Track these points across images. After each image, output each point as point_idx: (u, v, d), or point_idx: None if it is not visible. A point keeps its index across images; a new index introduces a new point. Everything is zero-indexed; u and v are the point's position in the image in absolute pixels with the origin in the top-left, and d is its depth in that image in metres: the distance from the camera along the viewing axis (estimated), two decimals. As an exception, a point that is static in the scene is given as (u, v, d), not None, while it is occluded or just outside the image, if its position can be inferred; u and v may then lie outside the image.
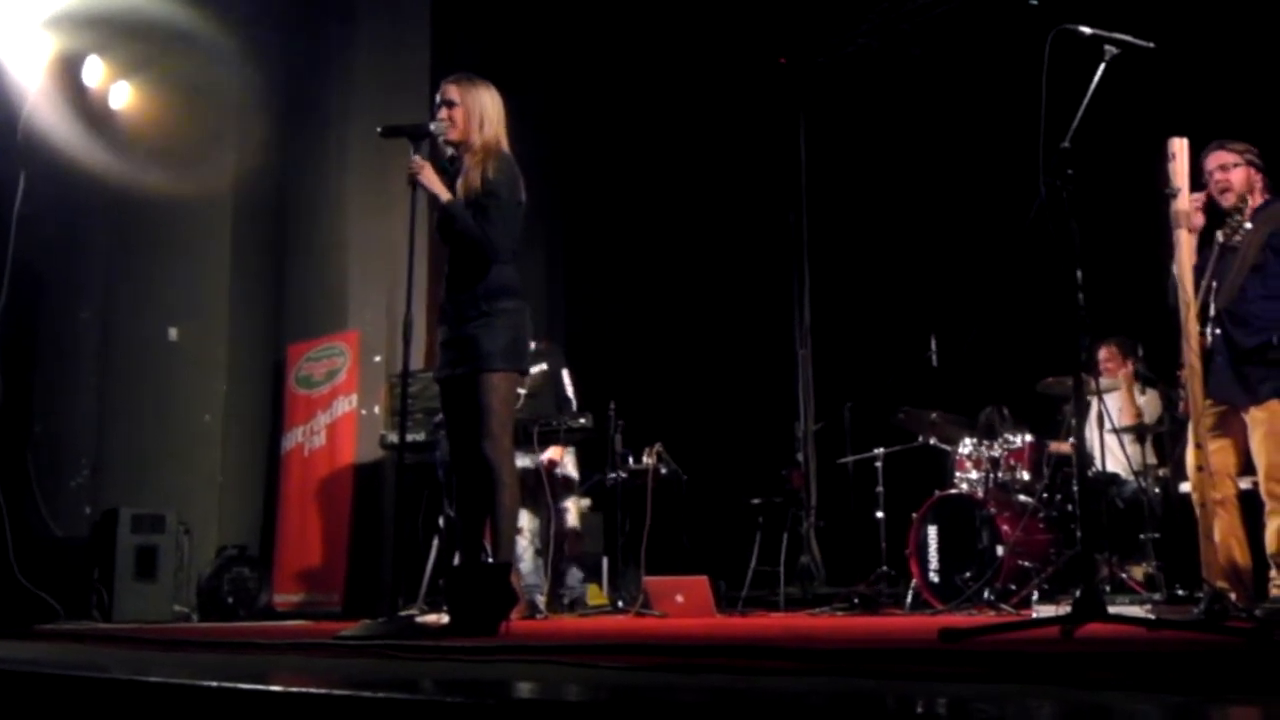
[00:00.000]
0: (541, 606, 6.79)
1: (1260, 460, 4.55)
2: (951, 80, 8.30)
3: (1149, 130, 4.65)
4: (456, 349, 4.42)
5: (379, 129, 4.60)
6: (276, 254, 9.09)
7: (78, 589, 7.47)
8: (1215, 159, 4.75)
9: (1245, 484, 5.15)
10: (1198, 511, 4.12)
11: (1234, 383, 4.58)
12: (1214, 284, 4.60)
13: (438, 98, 4.56)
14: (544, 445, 6.84)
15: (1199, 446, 4.23)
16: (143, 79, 8.56)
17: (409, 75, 8.53)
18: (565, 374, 7.02)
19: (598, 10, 8.37)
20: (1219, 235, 4.63)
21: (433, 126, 4.45)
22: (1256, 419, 4.54)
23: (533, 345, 6.98)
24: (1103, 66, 3.68)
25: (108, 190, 8.28)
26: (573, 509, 7.00)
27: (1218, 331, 4.59)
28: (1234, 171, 4.72)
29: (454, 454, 4.49)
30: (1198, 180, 4.46)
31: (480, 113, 4.47)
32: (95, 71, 8.34)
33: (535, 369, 6.90)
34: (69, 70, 8.16)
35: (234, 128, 8.96)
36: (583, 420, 6.88)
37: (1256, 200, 4.73)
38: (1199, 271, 4.64)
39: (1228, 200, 4.71)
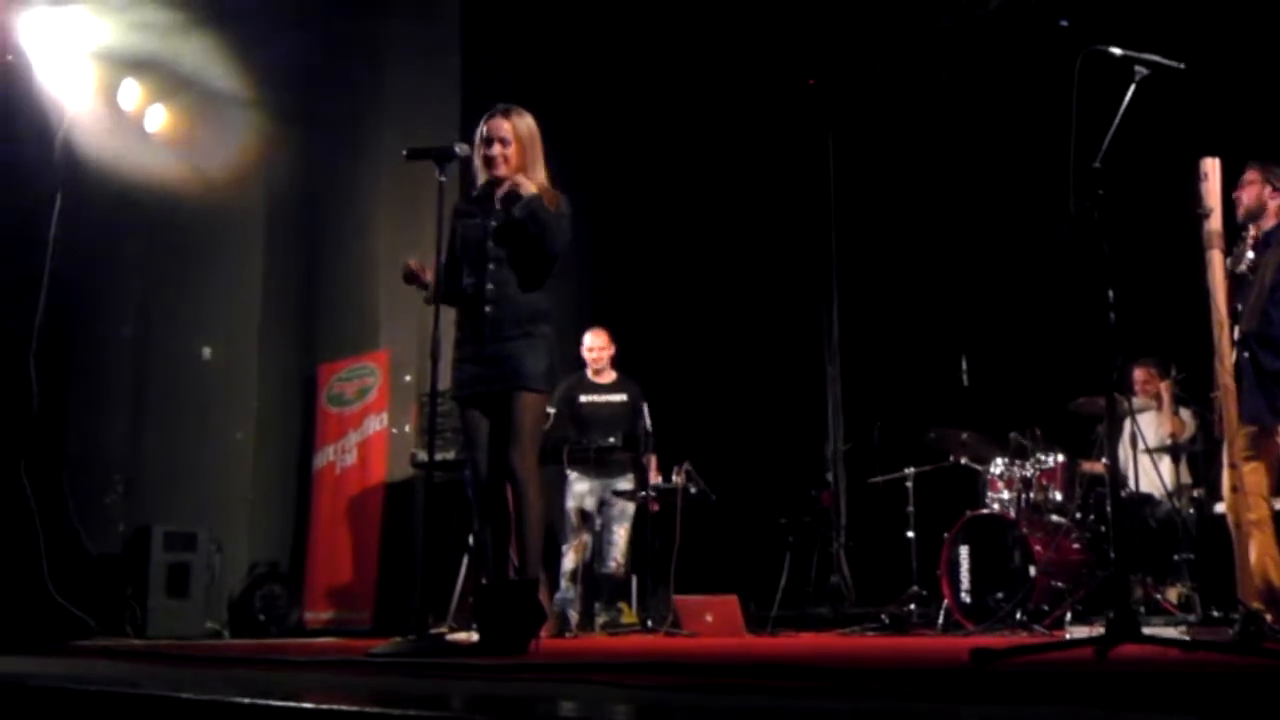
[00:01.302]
0: (573, 624, 6.80)
1: None
2: (981, 100, 8.28)
3: (1180, 151, 4.63)
4: (491, 366, 4.42)
5: (404, 152, 4.63)
6: (308, 273, 9.17)
7: (111, 605, 7.52)
8: (1242, 178, 4.76)
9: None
10: (1233, 533, 4.08)
11: (1262, 403, 4.56)
12: (1237, 307, 4.58)
13: (483, 132, 4.51)
14: (603, 467, 7.02)
15: (1233, 467, 4.20)
16: (177, 102, 8.66)
17: (440, 93, 8.59)
18: (645, 408, 7.18)
19: (628, 30, 8.40)
20: (1227, 262, 4.61)
21: (458, 149, 4.48)
22: None
23: (614, 375, 7.18)
24: (1133, 87, 3.67)
25: (143, 210, 8.37)
26: (622, 533, 7.10)
27: (1245, 354, 4.57)
28: (1246, 189, 4.73)
29: (479, 471, 4.49)
30: (1230, 199, 4.44)
31: (533, 148, 4.49)
32: (131, 94, 8.45)
33: (616, 398, 7.21)
34: (106, 92, 8.27)
35: (266, 149, 9.04)
36: (611, 440, 6.93)
37: (1268, 223, 4.71)
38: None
39: (1239, 215, 4.74)
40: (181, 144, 8.69)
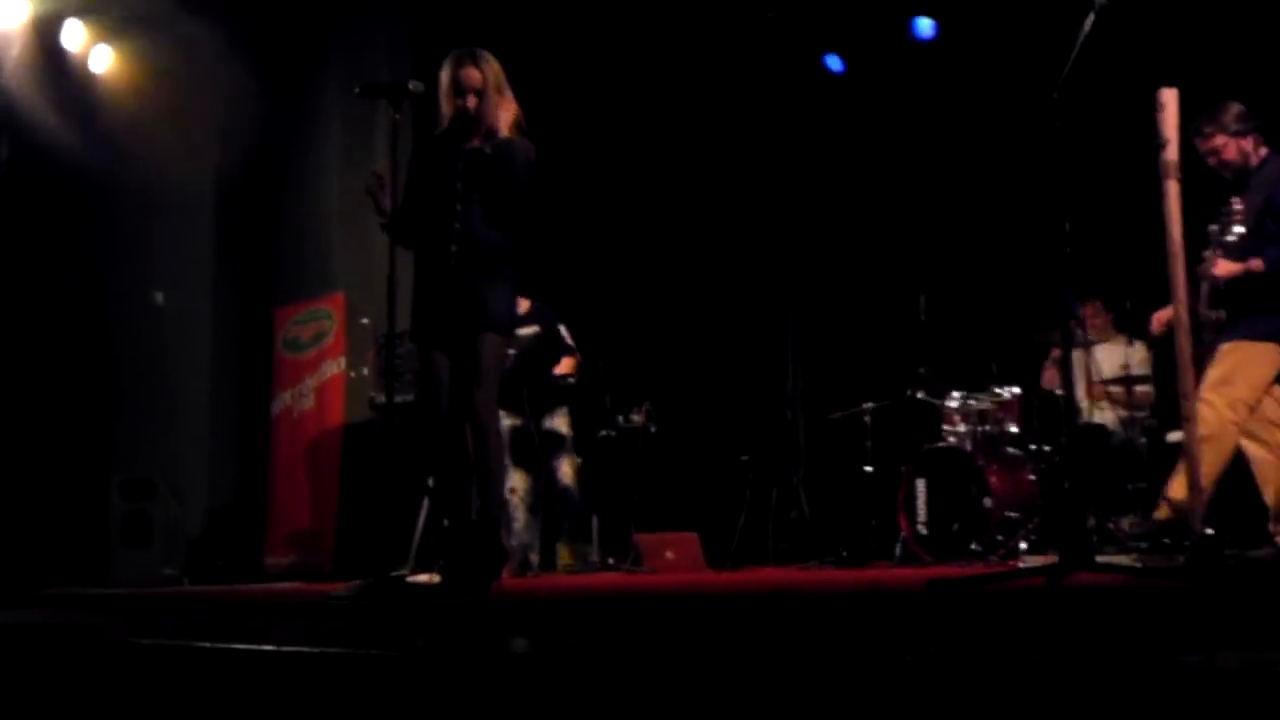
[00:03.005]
0: (534, 565, 6.83)
1: None
2: (941, 31, 8.24)
3: (1139, 80, 4.63)
4: (455, 306, 4.36)
5: (357, 90, 4.55)
6: (262, 216, 9.04)
7: (69, 555, 7.47)
8: (1200, 146, 4.76)
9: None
10: (1191, 458, 4.12)
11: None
12: (1204, 255, 4.61)
13: (451, 79, 4.41)
14: (534, 407, 6.87)
15: (1184, 397, 4.24)
16: (124, 42, 8.47)
17: (393, 34, 8.46)
18: (563, 329, 7.05)
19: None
20: (1212, 228, 4.62)
21: (412, 85, 4.39)
22: None
23: (526, 305, 7.05)
24: (1092, 16, 3.65)
25: (90, 154, 8.21)
26: (566, 467, 7.00)
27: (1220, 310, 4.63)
28: (1225, 150, 4.73)
29: (439, 414, 4.45)
30: (1187, 129, 4.45)
31: (502, 94, 4.41)
32: (75, 35, 8.25)
33: (527, 330, 6.89)
34: (48, 33, 8.07)
35: (217, 90, 8.87)
36: (571, 379, 6.90)
37: (1255, 160, 4.72)
38: (1202, 243, 4.64)
39: (1229, 176, 4.74)
40: (129, 86, 8.52)
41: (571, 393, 6.95)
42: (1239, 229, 4.44)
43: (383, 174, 4.42)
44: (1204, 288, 4.64)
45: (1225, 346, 4.63)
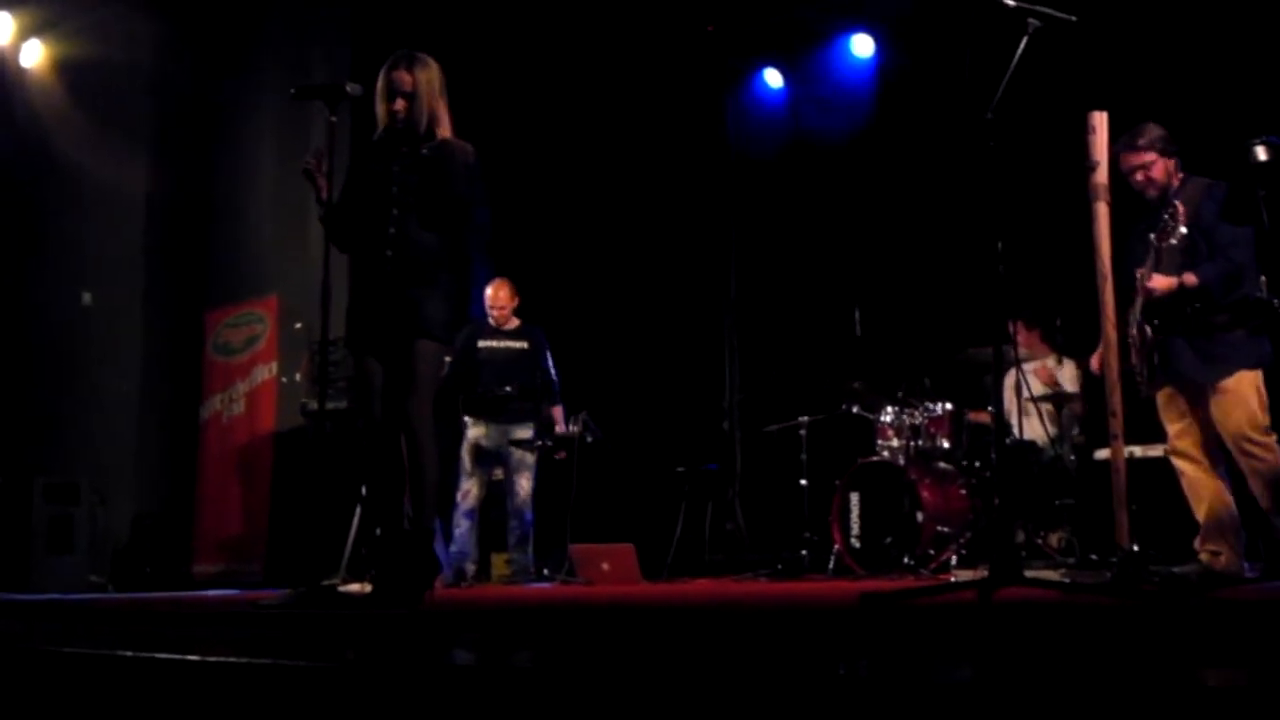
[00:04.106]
0: (469, 575, 6.79)
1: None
2: (877, 51, 8.35)
3: (1070, 103, 4.71)
4: (390, 312, 4.31)
5: (292, 91, 4.49)
6: (194, 217, 8.91)
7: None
8: (1129, 160, 4.79)
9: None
10: (1114, 476, 4.20)
11: (1193, 359, 4.68)
12: (1137, 274, 4.68)
13: (385, 83, 4.36)
14: (490, 415, 6.93)
15: (1113, 415, 4.32)
16: (55, 36, 8.32)
17: (330, 31, 8.38)
18: (548, 355, 7.15)
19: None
20: (1153, 237, 4.69)
21: (349, 88, 4.35)
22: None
23: (517, 323, 7.09)
24: (1025, 39, 3.71)
25: (17, 149, 8.05)
26: (524, 482, 6.99)
27: (1154, 321, 4.68)
28: (1153, 168, 4.77)
29: (370, 420, 4.39)
30: (1117, 145, 4.53)
31: (436, 98, 4.36)
32: (4, 28, 8.09)
33: (515, 344, 7.04)
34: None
35: (150, 86, 8.74)
36: (508, 388, 6.88)
37: (1175, 183, 4.81)
38: (1132, 261, 4.72)
39: (1153, 194, 4.77)
40: (59, 81, 8.36)
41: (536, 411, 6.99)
42: (1183, 230, 4.52)
43: (322, 154, 4.35)
44: (1138, 300, 4.71)
45: (1227, 383, 4.62)
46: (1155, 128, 4.82)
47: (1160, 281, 4.66)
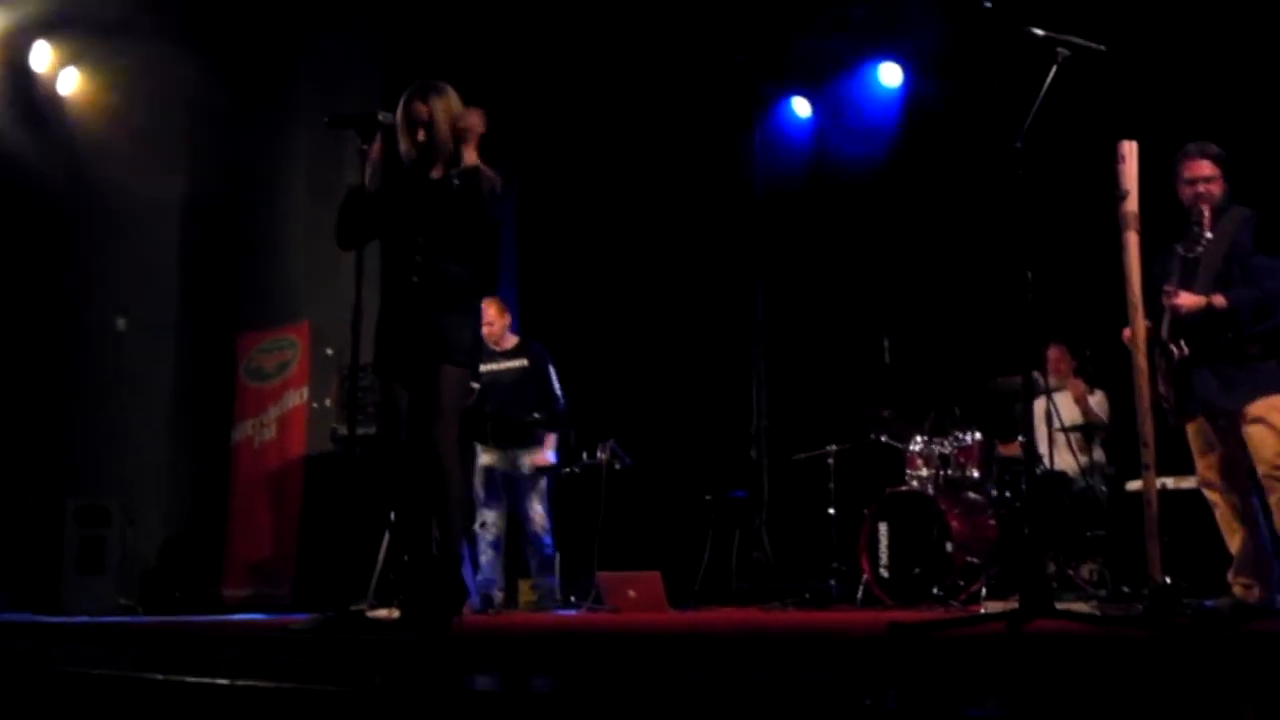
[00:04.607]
0: (497, 601, 6.77)
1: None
2: (905, 80, 8.35)
3: (1100, 132, 4.69)
4: (415, 338, 4.34)
5: (326, 119, 4.54)
6: (228, 243, 8.99)
7: (22, 582, 7.36)
8: (1196, 168, 4.70)
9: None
10: (1146, 509, 4.16)
11: (1214, 387, 4.62)
12: (1166, 290, 4.64)
13: (401, 112, 4.40)
14: (499, 440, 6.83)
15: (1145, 445, 4.28)
16: (92, 65, 8.44)
17: (361, 63, 8.46)
18: (551, 370, 6.96)
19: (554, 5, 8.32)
20: (1179, 248, 4.65)
21: (381, 117, 4.40)
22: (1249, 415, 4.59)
23: (515, 340, 7.03)
24: (1054, 69, 3.71)
25: (55, 175, 8.16)
26: (538, 507, 6.92)
27: (1180, 341, 4.62)
28: (1215, 184, 4.68)
29: (398, 446, 4.41)
30: (1146, 182, 4.51)
31: (454, 127, 4.39)
32: (43, 56, 8.21)
33: (515, 363, 6.88)
34: (15, 54, 8.03)
35: (185, 114, 8.85)
36: (537, 415, 6.85)
37: (1222, 205, 4.73)
38: (1160, 279, 4.68)
39: (1202, 212, 4.65)
40: (96, 108, 8.48)
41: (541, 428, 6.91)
42: (1209, 235, 4.48)
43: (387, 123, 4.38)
44: (1165, 317, 4.66)
45: (1257, 409, 4.54)
46: (1212, 147, 4.76)
47: (1187, 299, 4.59)
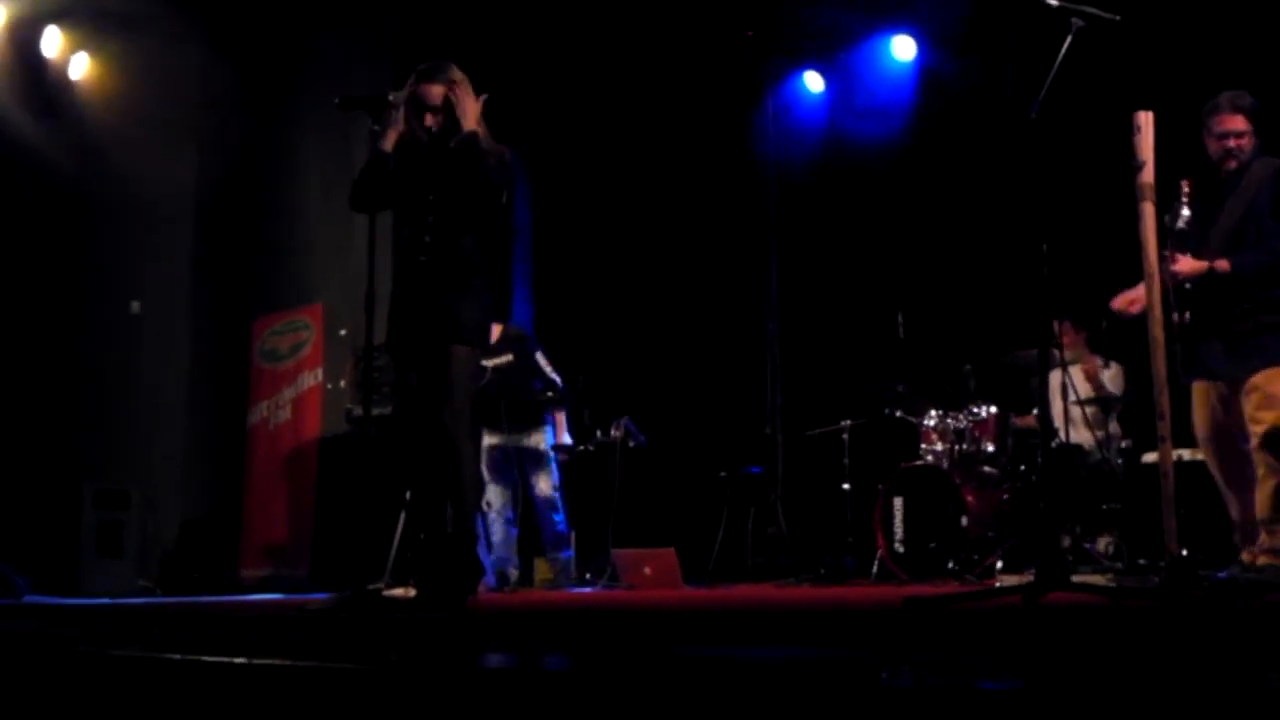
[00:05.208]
0: (512, 579, 6.80)
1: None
2: (919, 53, 8.30)
3: (1115, 103, 4.65)
4: (424, 318, 4.35)
5: (336, 101, 4.53)
6: (241, 226, 9.01)
7: (41, 565, 7.41)
8: (1228, 122, 4.57)
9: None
10: (1162, 481, 4.13)
11: (1221, 354, 4.56)
12: (1170, 255, 4.58)
13: (412, 95, 4.39)
14: (514, 423, 6.83)
15: (1161, 418, 4.25)
16: (103, 49, 8.44)
17: (372, 46, 8.45)
18: (540, 357, 6.88)
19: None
20: (1165, 219, 4.56)
21: (392, 97, 4.39)
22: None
23: (495, 333, 6.94)
24: (1069, 39, 3.68)
25: (68, 161, 8.17)
26: (544, 484, 6.93)
27: (1185, 312, 4.56)
28: (1246, 139, 4.55)
29: (411, 425, 4.42)
30: (1162, 152, 4.46)
31: (466, 110, 4.38)
32: (53, 41, 8.21)
33: (502, 359, 6.68)
34: (25, 39, 8.04)
35: (196, 99, 8.85)
36: (550, 393, 6.86)
37: (1249, 159, 4.58)
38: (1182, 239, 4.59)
39: (1231, 166, 4.55)
40: (107, 93, 8.49)
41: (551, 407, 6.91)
42: (1186, 213, 4.40)
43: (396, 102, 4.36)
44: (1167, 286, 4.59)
45: (1257, 379, 4.46)
46: (1247, 96, 4.65)
47: (1186, 265, 4.47)
